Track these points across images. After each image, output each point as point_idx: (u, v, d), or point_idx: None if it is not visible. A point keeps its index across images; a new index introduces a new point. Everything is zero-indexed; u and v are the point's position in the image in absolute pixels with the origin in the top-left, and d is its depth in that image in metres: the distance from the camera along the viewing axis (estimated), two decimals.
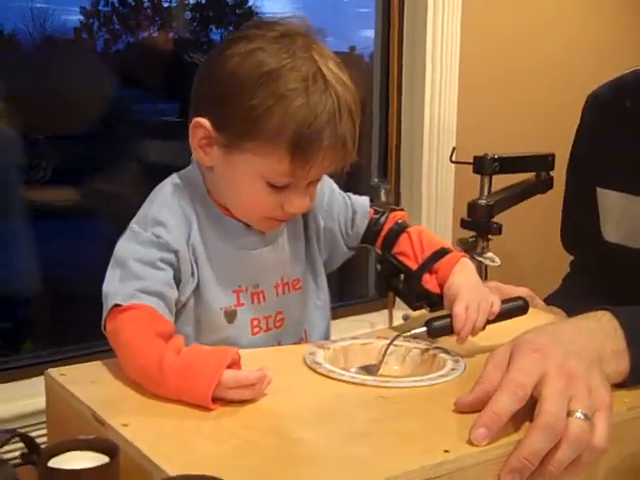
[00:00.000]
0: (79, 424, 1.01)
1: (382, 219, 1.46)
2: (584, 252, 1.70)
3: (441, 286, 1.36)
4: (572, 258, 1.77)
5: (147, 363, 1.08)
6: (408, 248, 1.41)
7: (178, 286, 1.27)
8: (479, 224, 1.46)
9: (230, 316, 1.31)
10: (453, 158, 1.66)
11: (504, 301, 1.31)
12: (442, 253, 1.39)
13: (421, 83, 2.71)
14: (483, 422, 0.92)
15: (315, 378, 1.13)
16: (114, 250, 1.27)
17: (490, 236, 1.46)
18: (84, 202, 2.52)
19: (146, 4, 2.73)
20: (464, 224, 1.46)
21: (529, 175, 1.65)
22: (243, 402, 1.04)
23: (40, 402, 1.19)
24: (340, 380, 1.12)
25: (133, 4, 2.68)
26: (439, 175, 2.66)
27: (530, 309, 1.46)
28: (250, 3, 3.06)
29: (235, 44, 1.27)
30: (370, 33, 2.90)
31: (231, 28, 3.05)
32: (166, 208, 1.30)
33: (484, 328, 1.27)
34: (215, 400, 1.03)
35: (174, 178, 1.35)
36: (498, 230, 1.43)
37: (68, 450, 0.84)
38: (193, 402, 1.04)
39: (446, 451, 0.90)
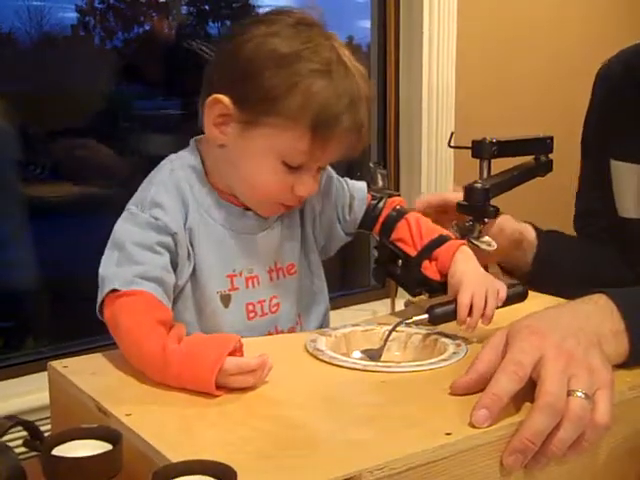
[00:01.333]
0: (82, 415, 1.02)
1: (380, 205, 1.46)
2: (597, 227, 1.69)
3: (441, 273, 1.37)
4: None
5: (149, 351, 1.09)
6: (407, 235, 1.42)
7: (175, 270, 1.26)
8: (475, 208, 1.46)
9: (225, 300, 1.31)
10: (452, 143, 1.66)
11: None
12: (441, 240, 1.39)
13: (419, 69, 2.71)
14: (484, 404, 0.93)
15: (317, 365, 1.13)
16: (112, 232, 1.27)
17: (487, 220, 1.46)
18: (83, 198, 2.52)
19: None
20: (461, 208, 1.47)
21: (529, 158, 1.64)
22: (245, 389, 1.04)
23: (43, 397, 1.19)
24: (342, 366, 1.12)
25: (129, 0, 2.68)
26: (438, 160, 2.66)
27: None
28: None
29: (255, 27, 1.29)
30: (368, 23, 2.90)
31: (228, 22, 3.05)
32: (164, 190, 1.29)
33: None
34: (218, 388, 1.04)
35: (172, 160, 1.35)
36: (495, 213, 1.43)
37: (71, 439, 0.84)
38: (196, 389, 1.04)
39: (448, 434, 0.90)
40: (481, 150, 1.56)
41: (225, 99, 1.28)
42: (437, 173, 2.67)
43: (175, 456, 0.83)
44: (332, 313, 1.50)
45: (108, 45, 2.70)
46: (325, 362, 1.14)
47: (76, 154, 2.52)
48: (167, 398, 1.02)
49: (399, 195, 1.49)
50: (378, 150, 2.86)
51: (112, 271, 1.20)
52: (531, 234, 1.59)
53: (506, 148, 1.58)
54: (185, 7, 2.87)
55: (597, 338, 1.03)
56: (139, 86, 2.76)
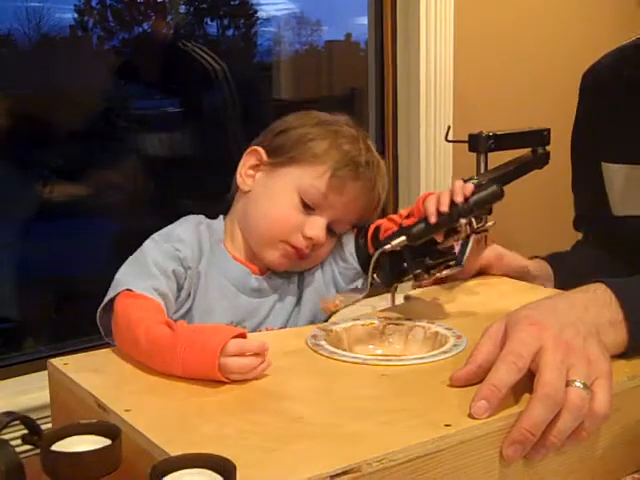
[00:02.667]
0: (82, 412, 1.02)
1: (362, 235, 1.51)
2: (594, 229, 1.70)
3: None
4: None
5: (157, 335, 1.12)
6: (392, 225, 1.45)
7: (176, 301, 1.38)
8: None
9: None
10: (449, 137, 1.67)
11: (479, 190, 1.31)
12: None
13: (416, 64, 2.72)
14: (483, 395, 0.93)
15: (317, 359, 1.13)
16: (138, 250, 1.39)
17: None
18: (83, 199, 2.53)
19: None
20: None
21: (526, 151, 1.65)
22: (245, 381, 1.05)
23: (43, 396, 1.19)
24: (342, 361, 1.12)
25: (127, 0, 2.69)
26: (437, 155, 2.67)
27: (526, 285, 1.47)
28: None
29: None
30: (366, 20, 2.90)
31: (226, 20, 3.05)
32: (189, 232, 1.44)
33: (463, 217, 1.28)
34: (220, 372, 1.05)
35: (200, 217, 1.52)
36: (487, 211, 1.43)
37: (70, 435, 0.84)
38: (199, 371, 1.06)
39: (447, 425, 0.90)
40: (477, 144, 1.57)
41: (261, 149, 1.49)
42: (436, 167, 2.68)
43: (174, 450, 0.83)
44: None
45: (106, 45, 2.71)
46: (325, 356, 1.14)
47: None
48: (166, 394, 1.02)
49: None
50: (376, 146, 2.87)
51: (129, 279, 1.30)
52: (540, 267, 1.58)
53: (503, 141, 1.58)
54: (183, 6, 2.88)
55: (596, 328, 1.03)
56: (137, 86, 2.77)
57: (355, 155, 1.46)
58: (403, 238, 1.27)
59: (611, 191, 1.58)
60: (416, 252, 1.30)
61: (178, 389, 1.04)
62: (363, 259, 1.48)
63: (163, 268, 1.35)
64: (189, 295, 1.41)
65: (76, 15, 2.55)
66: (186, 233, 1.44)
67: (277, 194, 1.46)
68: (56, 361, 1.12)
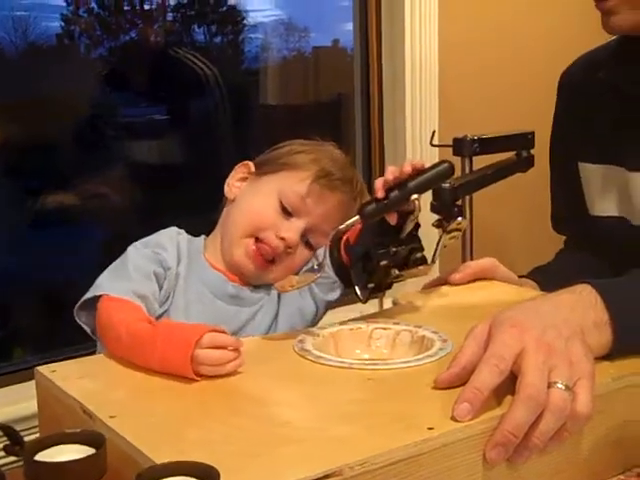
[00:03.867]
0: (69, 419, 1.02)
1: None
2: (574, 230, 1.71)
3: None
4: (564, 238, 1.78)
5: (138, 329, 1.18)
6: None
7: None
8: (443, 208, 1.47)
9: None
10: (433, 141, 1.68)
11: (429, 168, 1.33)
12: None
13: (401, 71, 2.73)
14: (465, 397, 0.93)
15: (303, 364, 1.14)
16: (120, 257, 1.44)
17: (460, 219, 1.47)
18: (71, 207, 2.52)
19: (127, 7, 2.73)
20: (432, 208, 1.48)
21: (511, 154, 1.65)
22: (221, 377, 1.08)
23: (31, 406, 1.19)
24: (328, 365, 1.13)
25: (114, 8, 2.69)
26: (423, 160, 2.67)
27: (515, 288, 1.48)
28: (232, 1, 3.06)
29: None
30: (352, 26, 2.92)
31: (214, 27, 3.06)
32: (167, 239, 1.49)
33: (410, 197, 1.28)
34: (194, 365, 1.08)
35: (180, 230, 1.54)
36: (459, 213, 1.44)
37: (54, 444, 0.84)
38: (176, 365, 1.09)
39: (430, 428, 0.90)
40: (462, 148, 1.58)
41: (250, 163, 1.57)
42: None
43: (159, 457, 0.84)
44: None
45: (93, 54, 2.71)
46: (311, 361, 1.14)
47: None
48: (152, 399, 1.03)
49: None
50: (363, 156, 2.88)
51: (109, 283, 1.35)
52: (529, 283, 1.58)
53: (487, 145, 1.59)
54: (170, 14, 2.88)
55: (580, 329, 1.03)
56: (125, 93, 2.77)
57: (338, 170, 1.52)
58: (357, 217, 1.28)
59: (588, 191, 1.59)
60: (380, 244, 1.32)
61: (164, 395, 1.04)
62: (337, 268, 1.47)
63: (143, 271, 1.39)
64: (168, 297, 1.44)
65: (63, 24, 2.55)
66: (165, 239, 1.48)
67: (259, 195, 1.51)
68: (43, 369, 1.13)
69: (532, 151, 1.64)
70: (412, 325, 1.27)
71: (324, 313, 1.56)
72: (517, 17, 3.02)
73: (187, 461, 0.80)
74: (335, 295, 1.53)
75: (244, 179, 1.57)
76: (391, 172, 1.29)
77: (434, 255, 1.39)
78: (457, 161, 1.65)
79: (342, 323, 1.31)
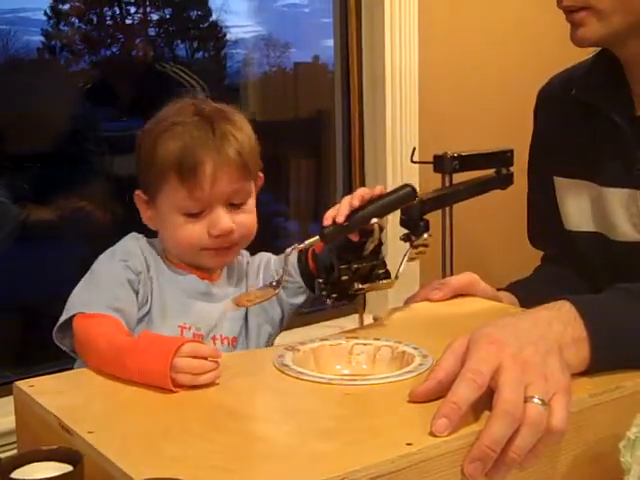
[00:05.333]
0: (47, 434, 1.02)
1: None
2: (550, 245, 1.72)
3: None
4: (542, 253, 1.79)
5: (118, 341, 1.21)
6: None
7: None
8: (410, 222, 1.49)
9: None
10: (414, 158, 1.69)
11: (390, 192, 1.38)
12: None
13: (381, 87, 2.74)
14: (443, 413, 0.94)
15: (283, 379, 1.14)
16: (88, 272, 1.44)
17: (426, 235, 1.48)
18: (50, 222, 2.52)
19: (109, 22, 2.74)
20: (400, 222, 1.50)
21: (490, 172, 1.67)
22: (201, 387, 1.09)
23: (8, 422, 1.19)
24: (308, 380, 1.13)
25: (95, 22, 2.69)
26: (403, 177, 2.68)
27: (496, 304, 1.48)
28: (214, 17, 3.07)
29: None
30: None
31: (195, 43, 3.06)
32: (131, 245, 1.49)
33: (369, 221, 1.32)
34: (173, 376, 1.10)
35: (138, 235, 1.53)
36: (425, 228, 1.45)
37: (31, 461, 0.84)
38: (154, 368, 1.11)
39: (409, 444, 0.90)
40: (442, 165, 1.59)
41: (139, 191, 1.52)
42: None
43: (137, 473, 0.84)
44: (301, 330, 1.52)
45: (74, 67, 2.70)
46: (291, 377, 1.14)
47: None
48: (130, 414, 1.03)
49: None
50: (344, 171, 2.89)
51: (83, 300, 1.36)
52: (509, 297, 1.59)
53: (467, 162, 1.60)
54: (153, 29, 2.89)
55: (557, 345, 1.04)
56: (106, 108, 2.76)
57: (189, 149, 1.44)
58: (316, 237, 1.32)
59: (563, 206, 1.60)
60: (343, 259, 1.35)
61: (142, 410, 1.04)
62: (304, 275, 1.50)
63: (116, 281, 1.41)
64: (146, 300, 1.45)
65: (44, 38, 2.55)
66: (130, 246, 1.49)
67: (168, 224, 1.49)
68: (22, 384, 1.12)
69: (511, 168, 1.66)
70: (393, 341, 1.28)
71: (290, 316, 1.58)
72: (499, 34, 3.03)
73: (165, 478, 0.80)
74: (301, 299, 1.55)
75: (147, 206, 1.52)
76: (344, 206, 1.32)
77: (398, 270, 1.40)
78: (438, 177, 1.66)
79: (323, 339, 1.31)
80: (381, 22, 2.69)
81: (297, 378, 1.13)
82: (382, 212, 1.33)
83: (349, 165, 2.87)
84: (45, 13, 2.51)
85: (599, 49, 1.54)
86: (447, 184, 1.58)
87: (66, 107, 2.61)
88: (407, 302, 1.51)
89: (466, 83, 2.94)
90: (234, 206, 1.47)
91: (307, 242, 1.33)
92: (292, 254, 1.42)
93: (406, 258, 1.42)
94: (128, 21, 2.77)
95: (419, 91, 2.79)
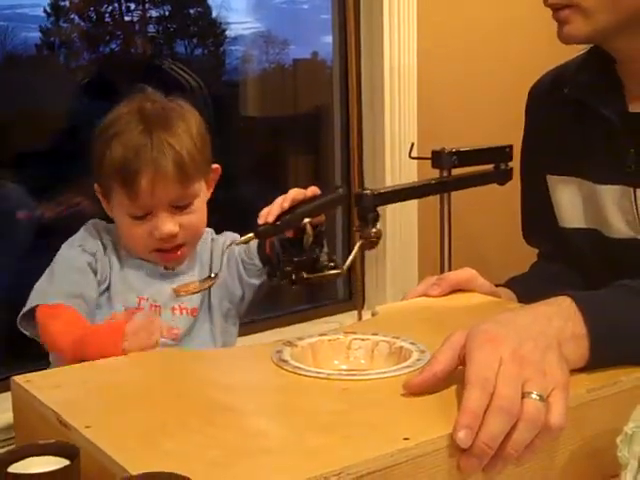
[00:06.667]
0: (45, 428, 1.01)
1: None
2: (545, 242, 1.72)
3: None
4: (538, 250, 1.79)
5: (77, 332, 1.37)
6: None
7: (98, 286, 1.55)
8: (362, 214, 1.51)
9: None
10: (412, 154, 1.69)
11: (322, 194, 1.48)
12: None
13: (380, 83, 2.74)
14: (464, 423, 0.92)
15: (281, 375, 1.13)
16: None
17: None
18: (49, 219, 2.52)
19: (107, 19, 2.73)
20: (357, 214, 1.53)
21: (488, 167, 1.67)
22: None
23: (7, 418, 1.19)
24: (305, 376, 1.13)
25: (94, 19, 2.69)
26: (402, 172, 2.69)
27: (494, 300, 1.48)
28: (213, 14, 3.07)
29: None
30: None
31: (195, 40, 3.06)
32: (88, 232, 1.62)
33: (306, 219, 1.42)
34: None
35: (98, 221, 1.66)
36: (375, 220, 1.48)
37: (28, 456, 0.84)
38: (107, 332, 1.33)
39: (406, 438, 0.90)
40: (440, 160, 1.59)
41: (97, 185, 1.63)
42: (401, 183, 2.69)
43: (134, 467, 0.83)
44: (299, 326, 1.53)
45: (73, 64, 2.70)
46: (289, 372, 1.14)
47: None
48: (127, 409, 1.02)
49: None
50: (342, 167, 2.89)
51: (44, 290, 1.49)
52: (508, 293, 1.58)
53: (465, 158, 1.60)
54: (152, 26, 2.88)
55: (556, 340, 1.03)
56: (105, 104, 2.76)
57: (130, 157, 1.52)
58: (251, 234, 1.40)
59: (556, 203, 1.60)
60: (286, 251, 1.43)
61: (140, 405, 1.04)
62: (263, 260, 1.56)
63: (75, 266, 1.52)
64: (105, 277, 1.54)
65: (41, 35, 2.55)
66: (86, 233, 1.60)
67: (118, 220, 1.60)
68: (19, 378, 1.12)
69: (510, 164, 1.66)
70: (390, 336, 1.27)
71: (252, 295, 1.68)
72: (497, 29, 3.03)
73: (162, 472, 0.79)
74: (259, 280, 1.64)
75: (104, 199, 1.63)
76: (287, 199, 1.42)
77: (348, 261, 1.46)
78: (437, 173, 1.66)
79: (321, 334, 1.31)
80: (380, 18, 2.70)
81: (295, 373, 1.13)
82: (312, 213, 1.43)
83: (347, 161, 2.87)
84: (44, 10, 2.51)
85: (590, 46, 1.54)
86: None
87: (64, 104, 2.61)
88: (405, 297, 1.51)
89: (465, 79, 2.95)
90: (178, 208, 1.55)
91: (242, 238, 1.41)
92: (230, 249, 1.60)
93: (355, 251, 1.48)
94: (127, 18, 2.77)
95: (418, 87, 2.79)
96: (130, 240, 1.57)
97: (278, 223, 1.40)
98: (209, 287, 1.50)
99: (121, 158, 1.51)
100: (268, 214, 1.39)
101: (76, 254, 1.54)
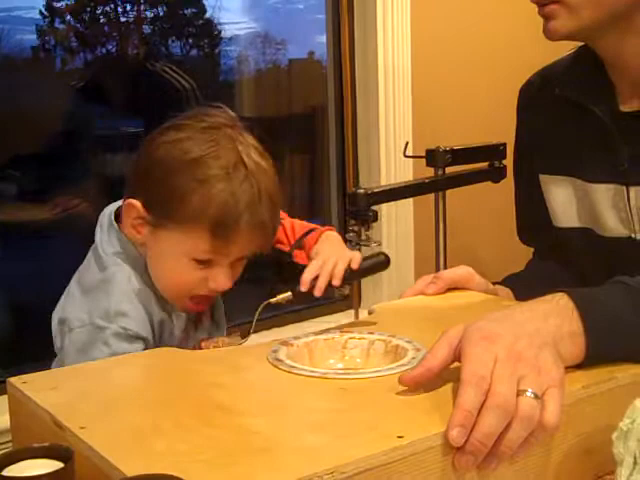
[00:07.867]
0: (40, 430, 1.02)
1: None
2: (539, 241, 1.72)
3: (309, 257, 1.50)
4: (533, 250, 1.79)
5: None
6: (282, 236, 1.56)
7: None
8: (359, 213, 1.50)
9: None
10: (407, 153, 1.69)
11: (365, 258, 1.47)
12: (310, 231, 1.56)
13: (374, 82, 2.75)
14: (458, 422, 0.92)
15: (276, 374, 1.13)
16: (75, 342, 1.40)
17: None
18: (44, 221, 2.52)
19: (103, 20, 2.74)
20: (348, 213, 1.53)
21: (483, 165, 1.67)
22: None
23: (4, 420, 1.19)
24: (301, 375, 1.13)
25: (89, 21, 2.69)
26: (397, 171, 2.69)
27: (491, 297, 1.48)
28: (208, 14, 3.07)
29: (166, 132, 1.43)
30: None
31: (190, 40, 3.07)
32: (126, 297, 1.41)
33: (345, 282, 1.44)
34: None
35: (117, 263, 1.45)
36: (373, 218, 1.48)
37: (22, 459, 0.84)
38: None
39: (400, 437, 0.90)
40: (435, 158, 1.59)
41: (137, 204, 1.42)
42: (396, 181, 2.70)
43: (128, 469, 0.83)
44: (296, 326, 1.53)
45: (69, 66, 2.70)
46: (284, 371, 1.14)
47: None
48: (122, 410, 1.02)
49: None
50: (337, 166, 2.89)
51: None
52: (505, 291, 1.59)
53: (459, 156, 1.61)
54: (147, 26, 2.89)
55: (552, 338, 1.03)
56: (101, 106, 2.77)
57: (232, 205, 1.39)
58: (289, 294, 1.40)
59: (550, 203, 1.60)
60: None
61: (134, 406, 1.04)
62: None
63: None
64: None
65: (37, 37, 2.55)
66: (123, 302, 1.42)
67: (168, 259, 1.44)
68: (15, 380, 1.12)
69: (504, 161, 1.66)
70: (386, 335, 1.28)
71: None
72: (491, 28, 3.04)
73: (157, 474, 0.79)
74: None
75: (141, 223, 1.44)
76: (321, 286, 1.44)
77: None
78: (431, 171, 1.66)
79: (317, 333, 1.31)
80: (373, 17, 2.70)
81: (290, 372, 1.13)
82: (357, 275, 1.48)
83: (343, 160, 2.87)
84: (40, 12, 2.51)
85: (578, 45, 1.54)
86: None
87: (59, 105, 2.61)
88: (402, 296, 1.51)
89: (459, 78, 2.95)
90: (239, 259, 1.47)
91: (279, 297, 1.39)
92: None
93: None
94: (123, 19, 2.77)
95: (412, 86, 2.80)
96: (173, 282, 1.44)
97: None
98: (238, 345, 1.41)
99: (222, 205, 1.37)
100: (316, 288, 1.42)
101: (117, 343, 1.37)
